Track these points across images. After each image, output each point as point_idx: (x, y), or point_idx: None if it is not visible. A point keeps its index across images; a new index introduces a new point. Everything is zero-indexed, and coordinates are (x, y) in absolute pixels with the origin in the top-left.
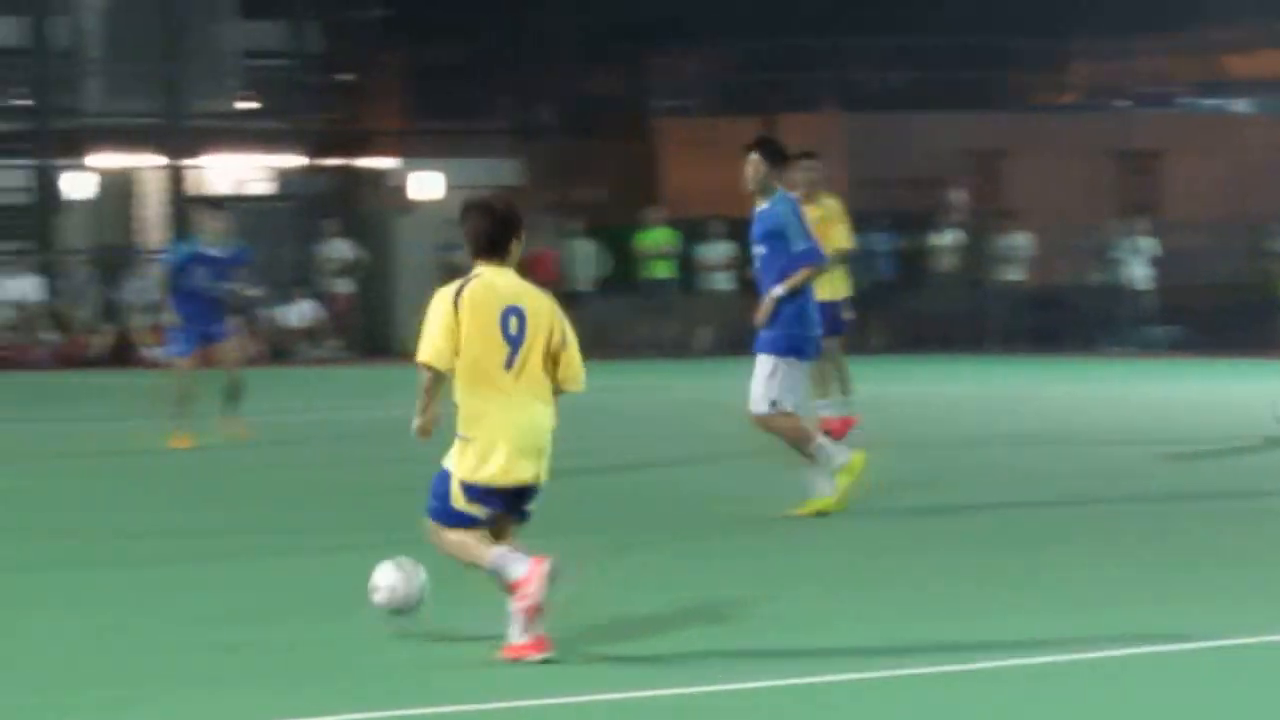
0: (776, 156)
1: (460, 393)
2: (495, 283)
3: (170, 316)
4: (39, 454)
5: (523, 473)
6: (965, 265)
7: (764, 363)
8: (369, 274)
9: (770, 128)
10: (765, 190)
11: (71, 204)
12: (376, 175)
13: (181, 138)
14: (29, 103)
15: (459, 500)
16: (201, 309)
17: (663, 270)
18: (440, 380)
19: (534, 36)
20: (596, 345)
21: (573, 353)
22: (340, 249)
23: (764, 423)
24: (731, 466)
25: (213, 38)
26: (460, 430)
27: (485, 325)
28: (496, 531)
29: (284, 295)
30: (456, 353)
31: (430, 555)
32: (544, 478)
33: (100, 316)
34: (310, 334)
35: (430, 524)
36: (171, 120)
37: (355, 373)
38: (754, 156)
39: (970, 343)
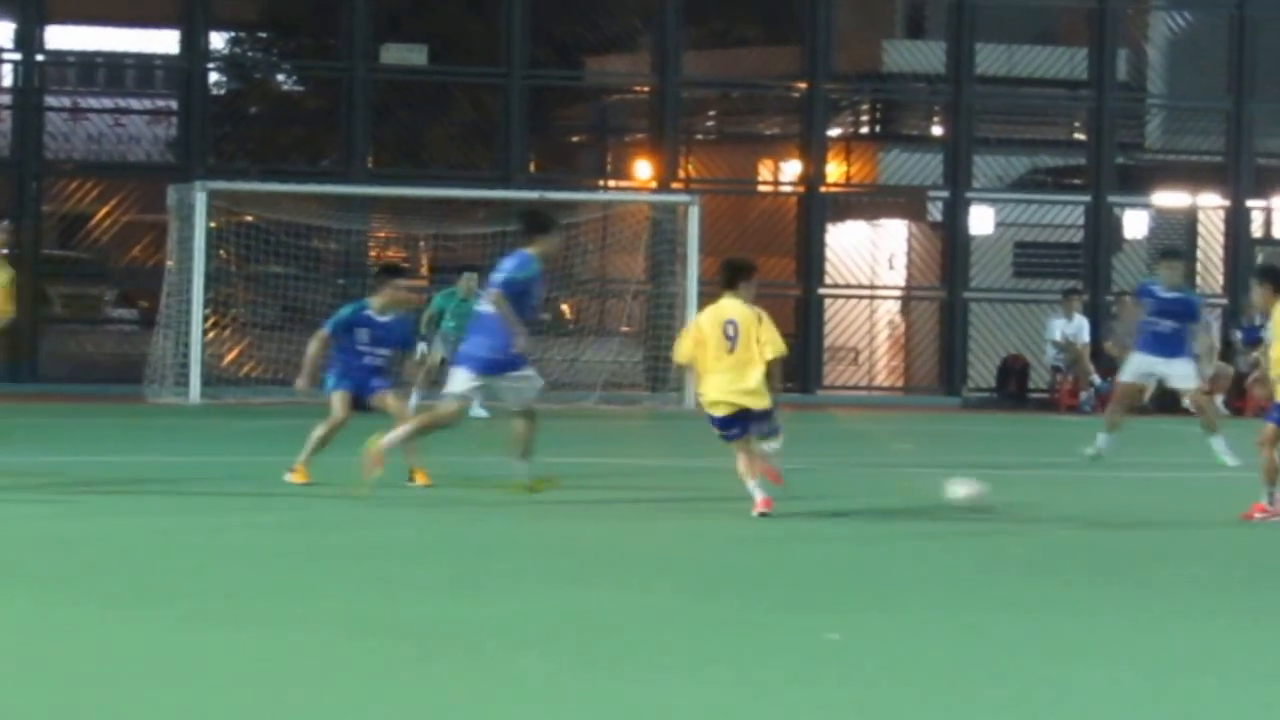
0: None
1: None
2: (722, 304)
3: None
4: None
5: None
6: None
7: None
8: None
9: None
10: None
11: (1128, 243)
12: None
13: (1244, 177)
14: (1083, 138)
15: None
16: None
17: None
18: None
19: None
20: None
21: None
22: None
23: None
24: None
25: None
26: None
27: (714, 328)
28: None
29: None
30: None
31: None
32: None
33: None
34: None
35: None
36: (1233, 159)
37: None
38: None
39: None
